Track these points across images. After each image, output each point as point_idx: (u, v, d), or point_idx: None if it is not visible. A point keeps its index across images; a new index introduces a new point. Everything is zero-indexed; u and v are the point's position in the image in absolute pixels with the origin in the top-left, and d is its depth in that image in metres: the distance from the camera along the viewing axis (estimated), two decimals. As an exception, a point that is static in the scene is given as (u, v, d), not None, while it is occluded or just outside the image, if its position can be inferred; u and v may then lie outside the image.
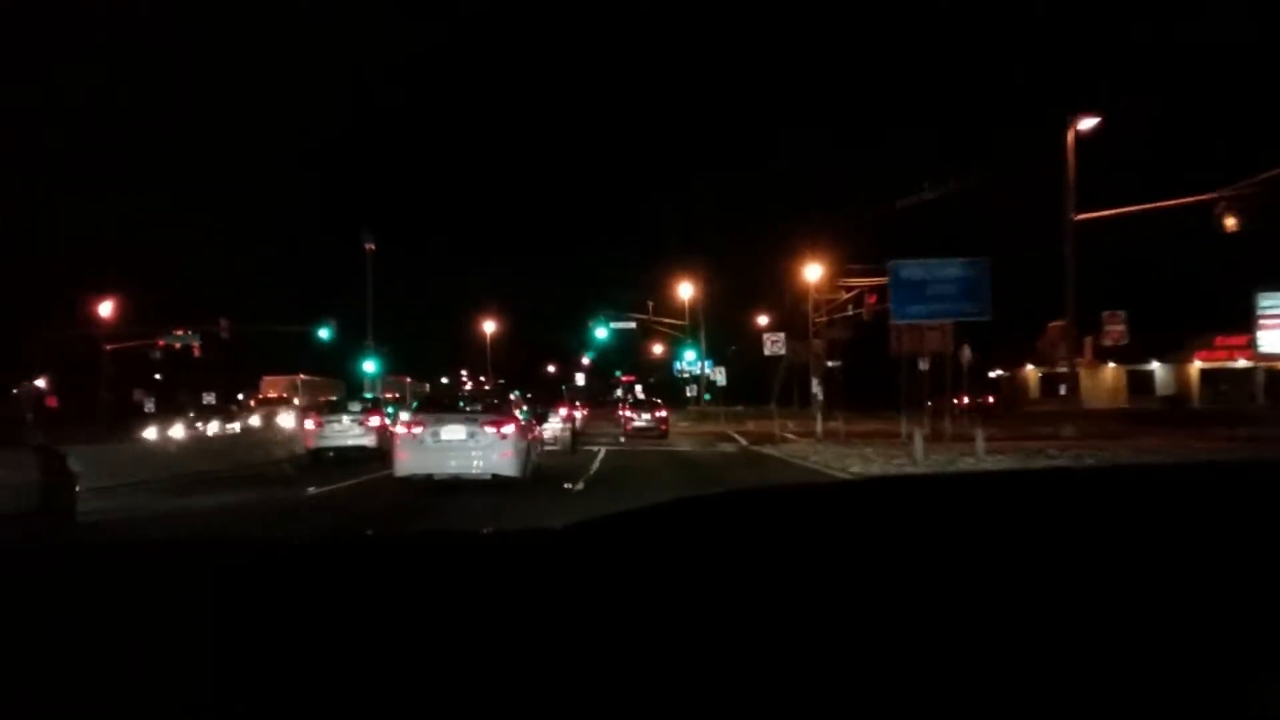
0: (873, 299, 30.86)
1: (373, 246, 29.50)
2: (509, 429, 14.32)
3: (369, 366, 30.34)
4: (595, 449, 21.73)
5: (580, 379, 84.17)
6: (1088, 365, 52.14)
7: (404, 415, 16.61)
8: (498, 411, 14.80)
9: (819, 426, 23.63)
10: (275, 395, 31.43)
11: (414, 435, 14.47)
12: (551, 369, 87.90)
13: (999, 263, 22.37)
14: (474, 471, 13.48)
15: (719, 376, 37.09)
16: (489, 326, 61.05)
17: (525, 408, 17.14)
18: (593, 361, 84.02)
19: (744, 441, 24.68)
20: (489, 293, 62.43)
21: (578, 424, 28.75)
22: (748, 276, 47.08)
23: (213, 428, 28.37)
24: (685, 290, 42.48)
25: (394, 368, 50.53)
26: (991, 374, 58.59)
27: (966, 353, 20.36)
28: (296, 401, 30.24)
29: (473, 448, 13.66)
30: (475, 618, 0.98)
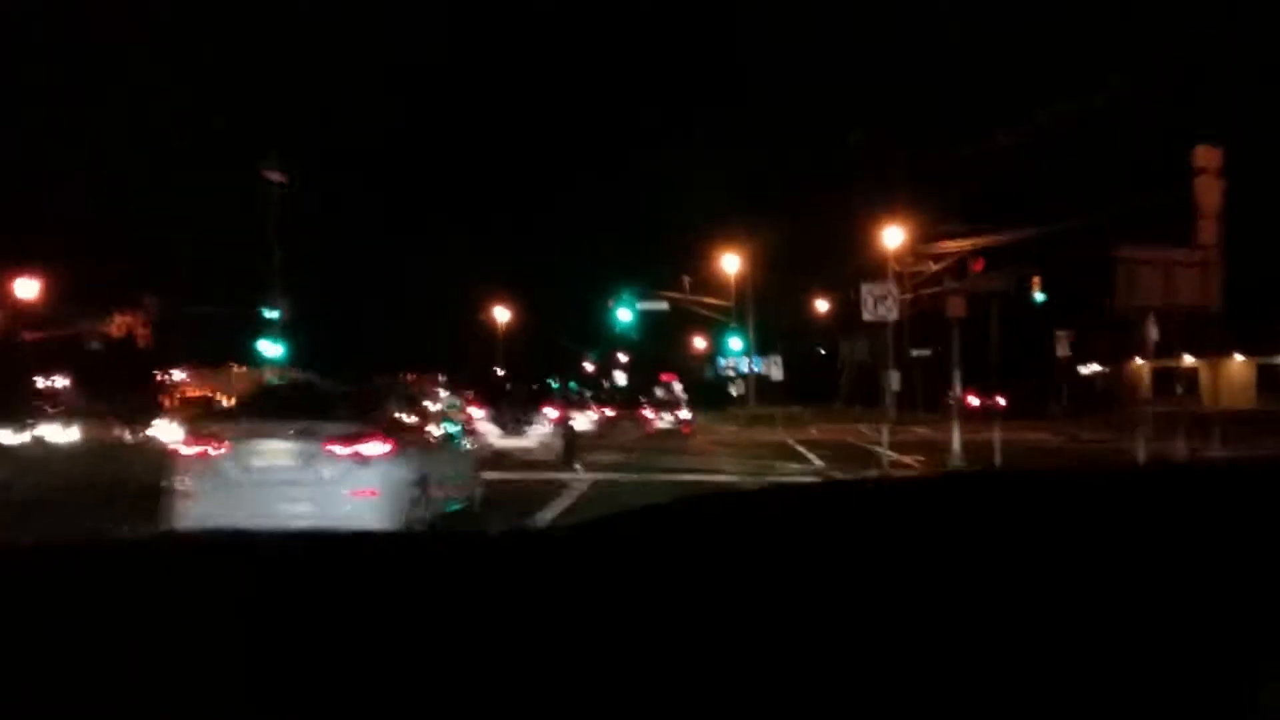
0: (979, 264, 23.48)
1: (282, 178, 22.93)
2: (374, 449, 7.77)
3: (270, 349, 23.82)
4: (582, 476, 14.16)
5: (620, 378, 78.21)
6: (1212, 358, 43.88)
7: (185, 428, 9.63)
8: (357, 418, 7.93)
9: (956, 440, 14.31)
10: (198, 394, 25.02)
11: (207, 461, 7.80)
12: (589, 367, 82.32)
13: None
14: (317, 524, 7.47)
15: (774, 370, 29.33)
16: (511, 322, 54.17)
17: (458, 420, 10.47)
18: (632, 358, 78.04)
19: (819, 462, 16.74)
20: (509, 285, 55.00)
21: (594, 426, 27.21)
22: (796, 254, 38.87)
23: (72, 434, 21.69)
24: (730, 263, 34.79)
25: (403, 364, 44.68)
26: (1084, 369, 49.88)
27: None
28: (226, 401, 23.79)
29: (310, 483, 7.60)
30: (474, 618, 0.97)
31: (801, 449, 19.18)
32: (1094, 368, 49.53)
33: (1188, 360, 48.16)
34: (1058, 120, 25.34)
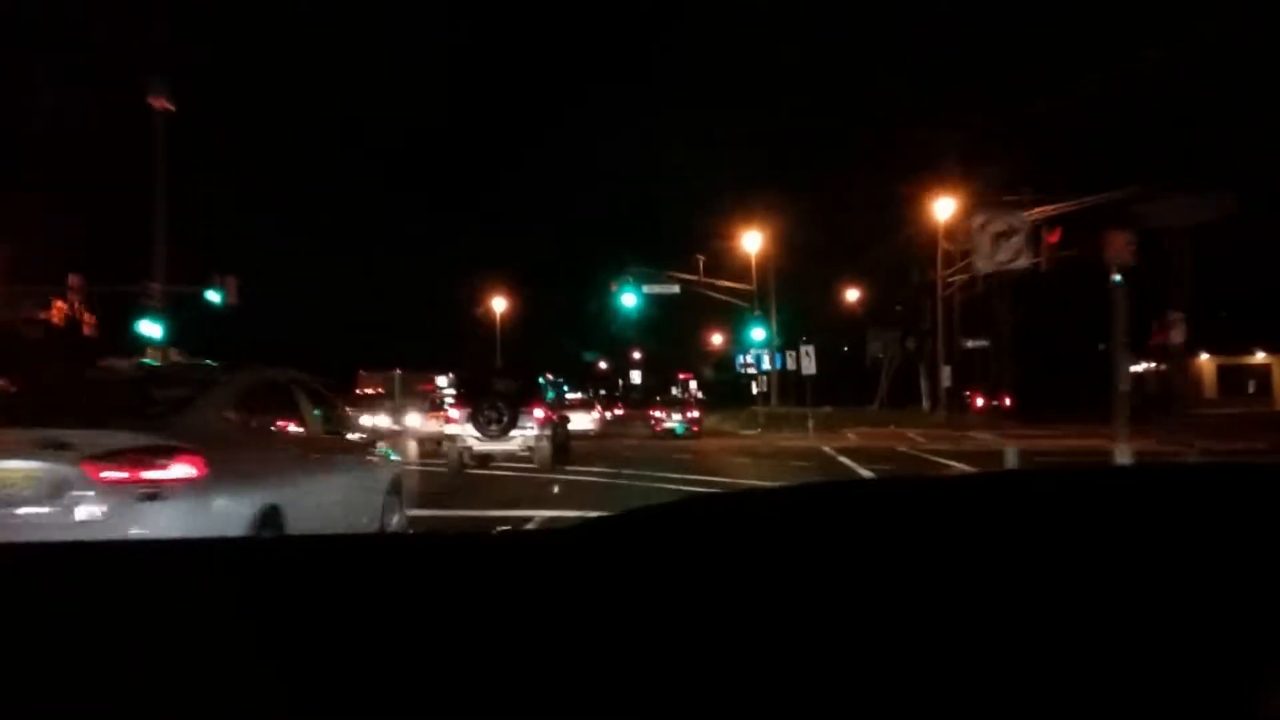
0: (1054, 235, 20.22)
1: (168, 104, 20.00)
2: (172, 472, 4.80)
3: (150, 329, 21.07)
4: (542, 514, 10.64)
5: (636, 377, 75.87)
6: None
7: None
8: (152, 424, 4.88)
9: (1125, 456, 9.42)
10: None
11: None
12: (603, 365, 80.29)
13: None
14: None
15: (806, 362, 25.68)
16: (512, 317, 50.91)
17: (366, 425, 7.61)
18: (646, 356, 75.68)
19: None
20: (510, 282, 51.44)
21: (596, 426, 27.45)
22: (820, 239, 34.98)
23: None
24: (750, 241, 31.31)
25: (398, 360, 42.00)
26: (1136, 366, 46.14)
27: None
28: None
29: (61, 525, 4.63)
30: (486, 615, 0.98)
31: (847, 461, 15.96)
32: (1147, 365, 45.88)
33: (1259, 356, 44.66)
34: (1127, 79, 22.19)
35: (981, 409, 29.04)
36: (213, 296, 22.44)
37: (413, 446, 22.09)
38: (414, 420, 31.18)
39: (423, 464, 16.46)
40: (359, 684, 0.87)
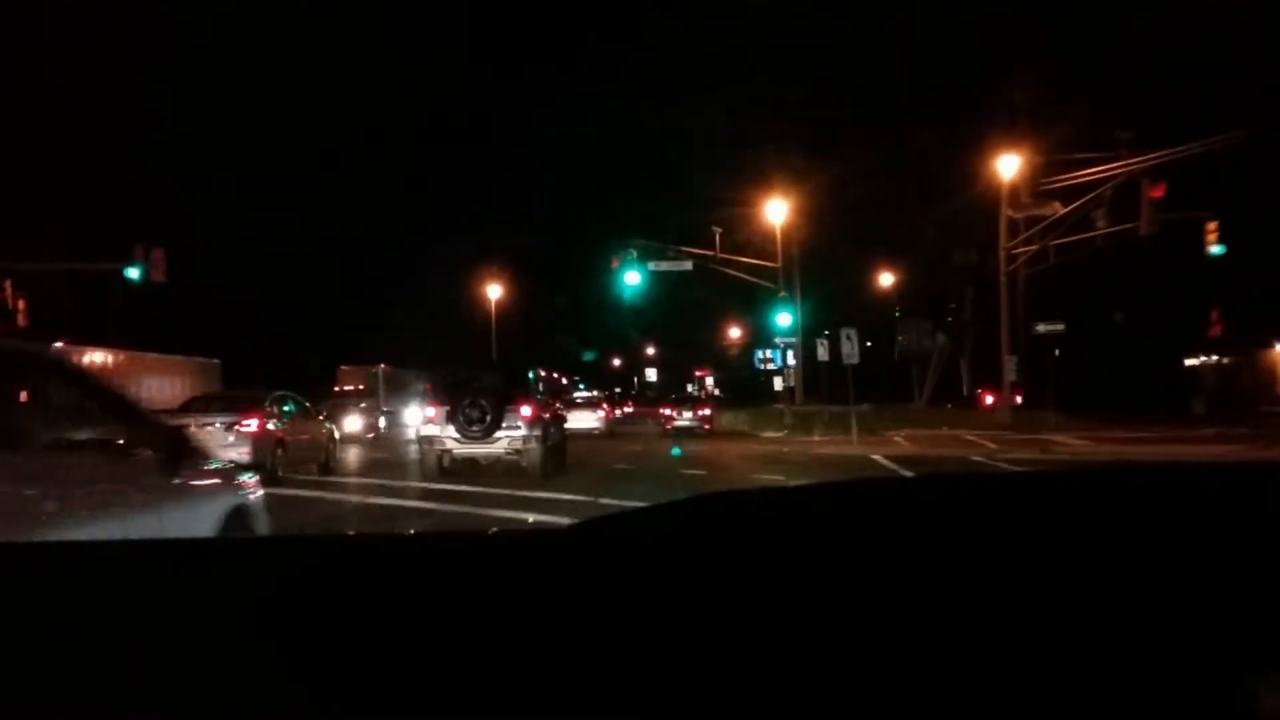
0: (1158, 190, 17.07)
1: None
2: None
3: None
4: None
5: (652, 374, 73.78)
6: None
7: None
8: None
9: None
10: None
11: None
12: (617, 362, 78.38)
13: None
14: None
15: (847, 347, 21.82)
16: (508, 308, 47.91)
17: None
18: (661, 353, 73.50)
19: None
20: (509, 279, 48.60)
21: (601, 425, 27.62)
22: (848, 219, 31.44)
23: None
24: (775, 211, 27.87)
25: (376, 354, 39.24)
26: (1191, 360, 42.98)
27: None
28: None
29: None
30: (482, 616, 1.00)
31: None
32: (1203, 358, 42.37)
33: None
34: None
35: (989, 407, 26.43)
36: (132, 273, 19.50)
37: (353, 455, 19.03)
38: (354, 422, 28.84)
39: (366, 481, 13.73)
40: (355, 685, 0.89)
